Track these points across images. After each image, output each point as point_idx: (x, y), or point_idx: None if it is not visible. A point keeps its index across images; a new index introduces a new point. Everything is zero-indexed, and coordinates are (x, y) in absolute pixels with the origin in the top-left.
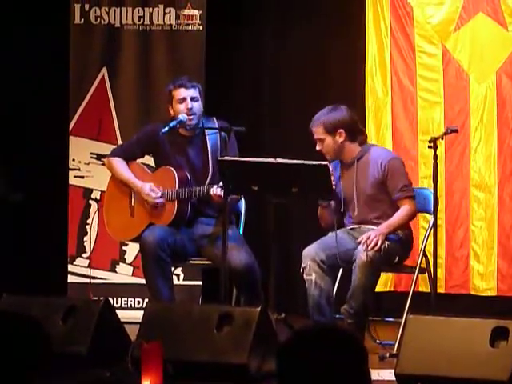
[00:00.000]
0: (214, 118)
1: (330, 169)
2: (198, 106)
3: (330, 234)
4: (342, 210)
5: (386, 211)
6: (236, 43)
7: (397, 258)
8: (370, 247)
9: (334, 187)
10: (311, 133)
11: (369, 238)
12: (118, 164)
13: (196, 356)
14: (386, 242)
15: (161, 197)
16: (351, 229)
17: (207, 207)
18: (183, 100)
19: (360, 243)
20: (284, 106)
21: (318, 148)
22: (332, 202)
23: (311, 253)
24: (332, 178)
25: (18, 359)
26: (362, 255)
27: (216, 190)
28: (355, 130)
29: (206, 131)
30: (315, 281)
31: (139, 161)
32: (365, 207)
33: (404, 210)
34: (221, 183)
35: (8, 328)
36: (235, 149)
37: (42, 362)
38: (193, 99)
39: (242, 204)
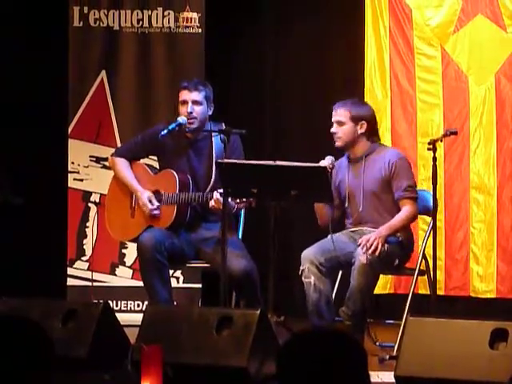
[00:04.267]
0: (223, 124)
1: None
2: (200, 110)
3: (329, 236)
4: (346, 206)
5: (389, 211)
6: (235, 45)
7: (397, 260)
8: (370, 251)
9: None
10: (333, 113)
11: (368, 240)
12: (122, 165)
13: (196, 359)
14: (386, 245)
15: (157, 208)
16: (352, 231)
17: (209, 213)
18: (184, 102)
19: (360, 245)
20: (284, 108)
21: (332, 130)
22: None
23: (310, 255)
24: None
25: (20, 363)
26: (361, 257)
27: (216, 196)
28: (375, 129)
29: (212, 137)
30: (314, 283)
31: (143, 161)
32: (368, 205)
33: (405, 211)
34: (220, 190)
35: (11, 332)
36: (240, 152)
37: (45, 366)
38: (195, 103)
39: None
